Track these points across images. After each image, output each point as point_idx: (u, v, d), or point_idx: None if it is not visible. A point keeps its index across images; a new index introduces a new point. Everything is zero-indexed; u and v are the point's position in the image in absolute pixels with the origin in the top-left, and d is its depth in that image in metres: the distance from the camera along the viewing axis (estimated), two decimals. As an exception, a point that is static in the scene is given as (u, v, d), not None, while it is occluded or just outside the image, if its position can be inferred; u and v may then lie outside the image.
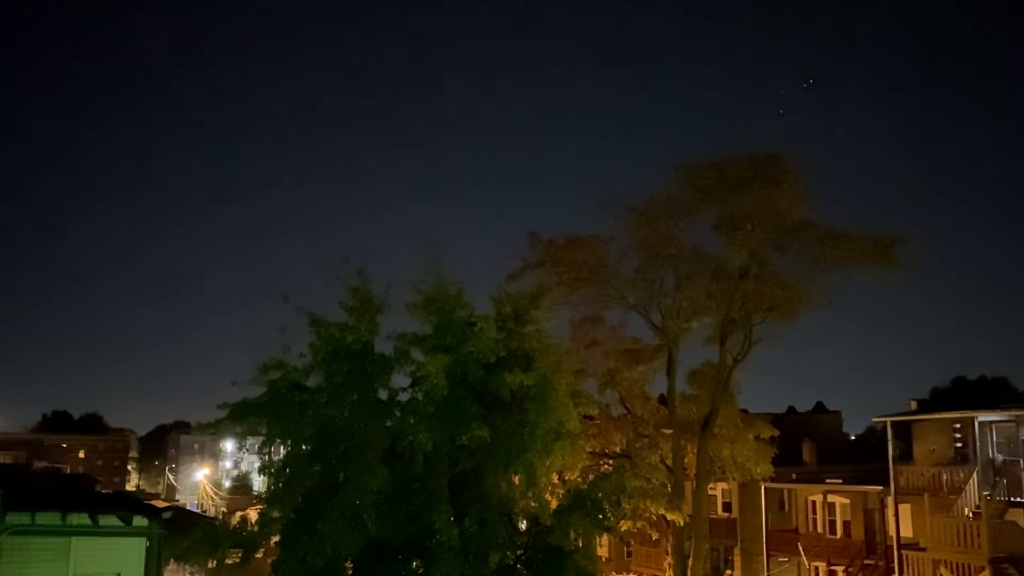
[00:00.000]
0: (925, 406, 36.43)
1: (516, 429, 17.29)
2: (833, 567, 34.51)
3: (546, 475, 18.84)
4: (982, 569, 26.22)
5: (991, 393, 47.96)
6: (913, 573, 29.07)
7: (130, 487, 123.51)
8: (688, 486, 30.76)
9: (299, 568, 16.51)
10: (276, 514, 17.55)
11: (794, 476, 37.08)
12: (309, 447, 17.93)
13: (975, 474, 28.78)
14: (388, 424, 17.80)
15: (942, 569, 27.67)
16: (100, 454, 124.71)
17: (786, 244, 29.27)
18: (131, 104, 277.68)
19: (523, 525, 19.33)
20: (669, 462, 30.56)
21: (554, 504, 19.67)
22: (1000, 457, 29.23)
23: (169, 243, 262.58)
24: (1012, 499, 28.24)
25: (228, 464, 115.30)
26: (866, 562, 33.44)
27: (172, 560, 20.49)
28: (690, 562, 29.72)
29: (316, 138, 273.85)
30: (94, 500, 24.60)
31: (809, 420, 49.03)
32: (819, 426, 45.33)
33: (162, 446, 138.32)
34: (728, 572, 39.23)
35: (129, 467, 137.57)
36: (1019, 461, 28.64)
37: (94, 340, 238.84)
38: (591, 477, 23.72)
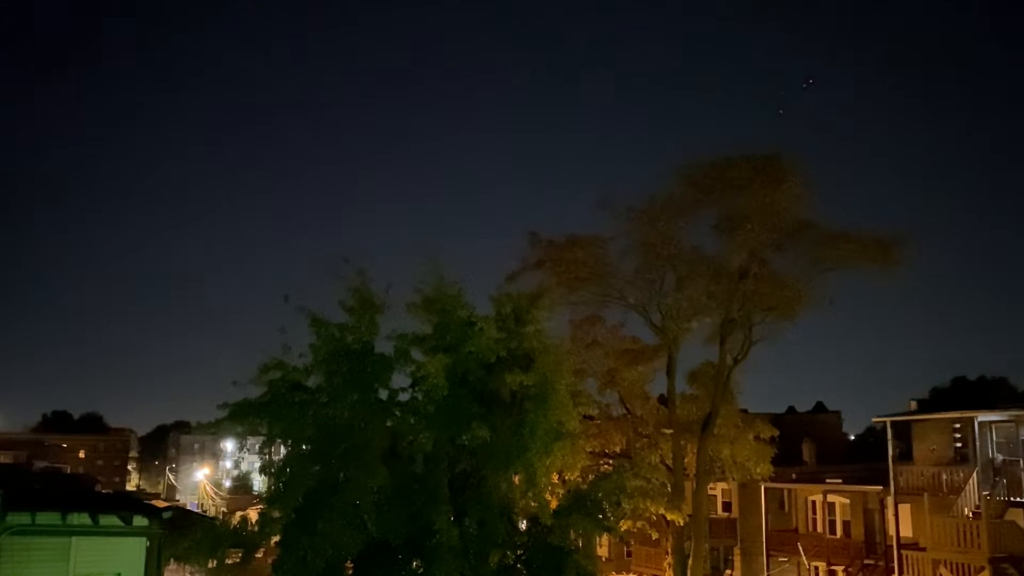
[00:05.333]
0: (925, 406, 36.36)
1: (516, 429, 17.33)
2: (833, 567, 34.49)
3: (546, 475, 18.82)
4: (982, 569, 26.21)
5: (991, 393, 47.84)
6: (913, 573, 29.07)
7: (130, 487, 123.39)
8: (688, 486, 30.74)
9: (299, 568, 16.53)
10: (276, 514, 17.58)
11: (794, 476, 37.05)
12: (309, 447, 17.98)
13: (975, 474, 28.76)
14: (388, 424, 17.85)
15: (942, 569, 27.66)
16: (100, 454, 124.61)
17: (786, 244, 29.30)
18: (132, 103, 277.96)
19: (523, 525, 19.35)
20: (669, 462, 30.56)
21: (554, 504, 19.68)
22: (1000, 457, 29.20)
23: (169, 243, 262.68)
24: (1012, 499, 28.21)
25: (228, 464, 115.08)
26: (866, 562, 33.42)
27: (172, 560, 20.50)
28: (690, 562, 29.73)
29: (316, 138, 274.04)
30: (94, 500, 24.56)
31: (809, 420, 48.96)
32: (819, 426, 45.27)
33: (162, 446, 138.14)
34: (728, 572, 39.21)
35: (129, 467, 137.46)
36: (1019, 461, 28.61)
37: (94, 340, 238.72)
38: (591, 477, 23.70)
